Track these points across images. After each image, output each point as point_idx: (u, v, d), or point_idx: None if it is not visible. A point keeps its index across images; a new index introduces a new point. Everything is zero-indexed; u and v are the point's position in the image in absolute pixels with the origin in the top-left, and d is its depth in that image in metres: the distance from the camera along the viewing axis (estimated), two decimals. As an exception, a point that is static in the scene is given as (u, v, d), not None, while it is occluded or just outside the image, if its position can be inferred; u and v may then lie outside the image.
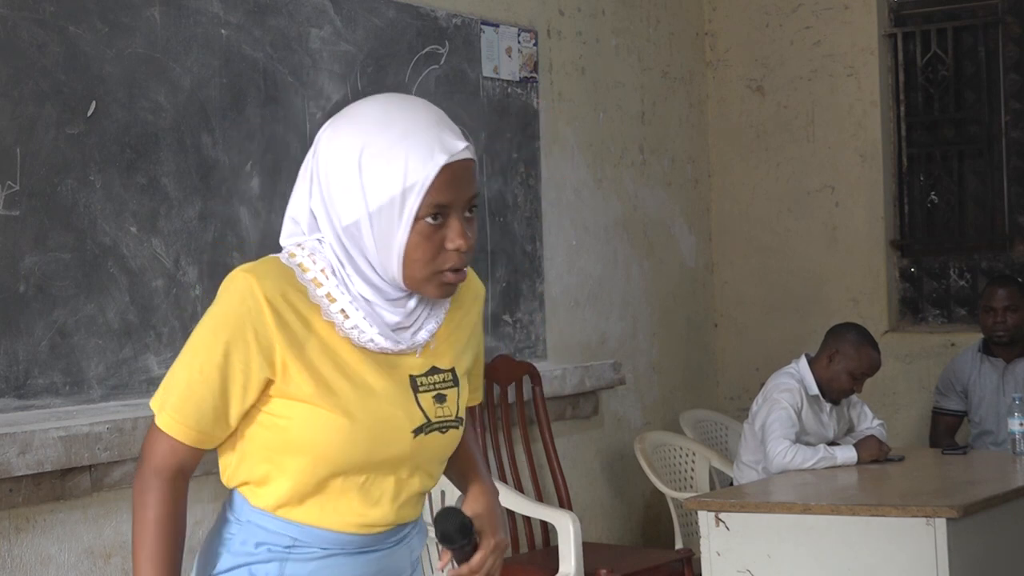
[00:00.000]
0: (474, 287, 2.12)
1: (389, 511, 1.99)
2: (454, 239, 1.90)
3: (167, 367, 4.10)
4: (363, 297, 1.93)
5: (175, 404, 1.93)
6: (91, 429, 3.62)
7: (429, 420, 1.99)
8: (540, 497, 5.22)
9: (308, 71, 4.49)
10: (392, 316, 1.95)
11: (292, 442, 1.93)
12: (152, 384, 3.96)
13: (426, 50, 4.99)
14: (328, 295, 1.93)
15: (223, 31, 4.23)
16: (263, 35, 4.36)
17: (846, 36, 6.45)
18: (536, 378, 5.20)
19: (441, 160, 1.87)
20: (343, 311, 1.93)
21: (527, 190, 5.47)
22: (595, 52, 5.95)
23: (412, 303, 1.97)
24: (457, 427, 2.04)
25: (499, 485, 4.77)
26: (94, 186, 3.85)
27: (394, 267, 1.90)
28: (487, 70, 5.27)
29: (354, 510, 1.97)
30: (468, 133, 5.14)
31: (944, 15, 6.41)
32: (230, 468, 1.99)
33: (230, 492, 2.02)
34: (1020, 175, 6.29)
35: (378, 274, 1.93)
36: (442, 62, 5.06)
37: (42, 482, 3.57)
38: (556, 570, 4.52)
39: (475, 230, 1.94)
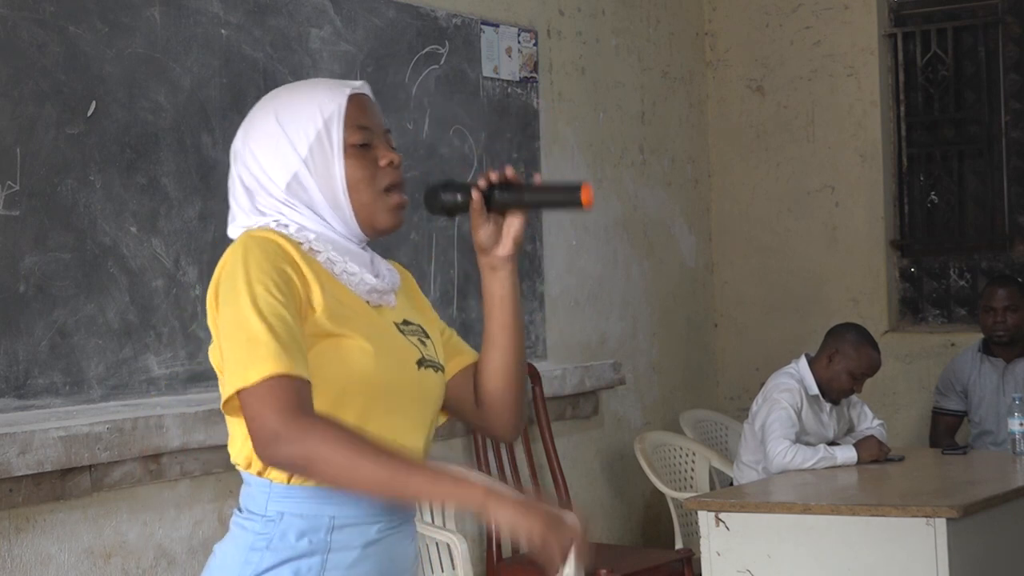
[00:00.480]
0: (402, 272, 2.19)
1: (416, 455, 2.01)
2: (385, 154, 2.04)
3: (167, 367, 4.12)
4: (335, 246, 2.03)
5: (265, 352, 1.85)
6: (91, 429, 3.62)
7: (423, 356, 2.05)
8: (540, 497, 5.21)
9: (308, 71, 4.49)
10: (362, 258, 2.05)
11: (322, 378, 1.91)
12: (152, 384, 3.96)
13: (426, 50, 4.99)
14: (311, 249, 2.01)
15: (223, 31, 4.23)
16: (263, 35, 4.36)
17: (846, 36, 6.45)
18: (536, 378, 5.20)
19: (346, 90, 2.04)
20: (330, 259, 2.01)
21: (527, 190, 5.46)
22: (595, 52, 5.95)
23: (367, 252, 2.07)
24: (442, 372, 2.10)
25: (499, 485, 4.76)
26: (94, 186, 3.85)
27: (342, 201, 2.01)
28: (487, 70, 5.27)
29: None
30: (467, 133, 5.14)
31: (944, 15, 6.41)
32: (247, 443, 1.93)
33: (246, 494, 1.99)
34: (1020, 175, 6.29)
35: (330, 223, 2.02)
36: (442, 62, 5.06)
37: (42, 482, 3.57)
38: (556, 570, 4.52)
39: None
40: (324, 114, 2.01)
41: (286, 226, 2.01)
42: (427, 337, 2.11)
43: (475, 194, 2.04)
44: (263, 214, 2.03)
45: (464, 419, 2.19)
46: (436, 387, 2.08)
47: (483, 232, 2.07)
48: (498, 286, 2.11)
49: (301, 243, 2.00)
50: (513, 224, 2.08)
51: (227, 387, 1.89)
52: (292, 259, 1.96)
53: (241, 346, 1.87)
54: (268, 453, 1.85)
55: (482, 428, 2.20)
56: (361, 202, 2.02)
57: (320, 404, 1.90)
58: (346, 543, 1.96)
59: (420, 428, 2.05)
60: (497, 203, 2.06)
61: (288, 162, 2.01)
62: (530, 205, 2.07)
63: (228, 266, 1.93)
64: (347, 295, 2.00)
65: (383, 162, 2.03)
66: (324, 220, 2.02)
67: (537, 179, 2.10)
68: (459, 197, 2.06)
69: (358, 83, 2.08)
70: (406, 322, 2.08)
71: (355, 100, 2.04)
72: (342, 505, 1.95)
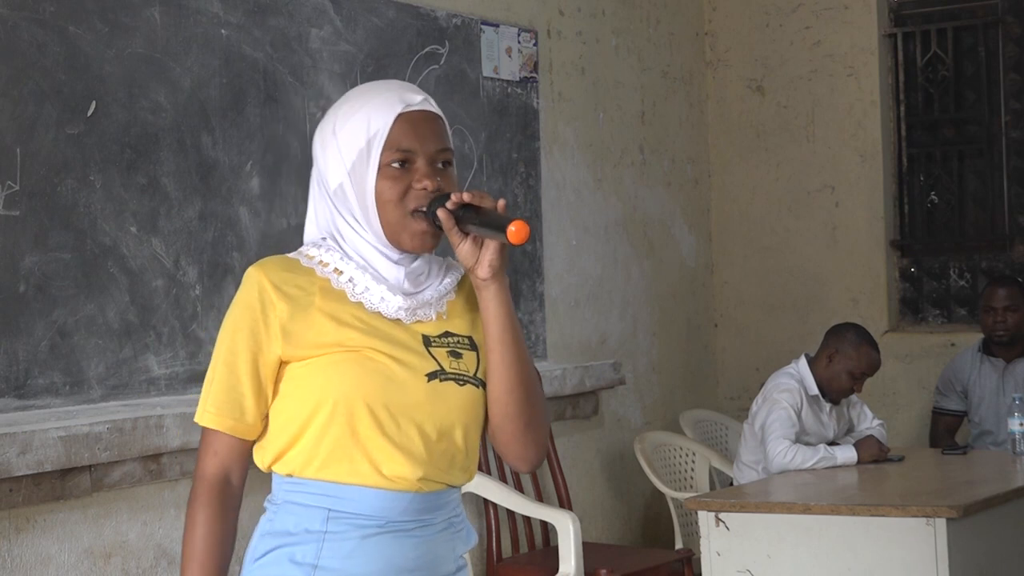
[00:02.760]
0: None
1: (418, 464, 2.02)
2: (421, 180, 2.05)
3: (167, 367, 4.13)
4: (366, 261, 2.08)
5: (212, 400, 2.06)
6: (91, 429, 3.62)
7: (443, 368, 2.06)
8: (540, 497, 5.22)
9: (308, 71, 4.49)
10: (395, 273, 2.07)
11: (311, 390, 2.02)
12: (152, 384, 3.97)
13: (426, 50, 4.99)
14: (336, 269, 2.07)
15: (223, 31, 4.23)
16: (263, 35, 4.36)
17: (846, 36, 6.45)
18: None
19: (398, 108, 2.06)
20: (351, 279, 2.06)
21: (527, 190, 5.47)
22: (595, 52, 5.95)
23: (416, 263, 2.10)
24: (477, 386, 2.09)
25: (499, 485, 4.77)
26: (94, 186, 3.85)
27: (372, 217, 2.05)
28: (487, 70, 5.27)
29: (382, 459, 2.00)
30: (467, 133, 5.14)
31: (944, 15, 6.41)
32: (263, 446, 2.08)
33: (272, 486, 2.11)
34: (1020, 175, 6.29)
35: (368, 232, 2.07)
36: (442, 62, 5.06)
37: (42, 482, 3.57)
38: (556, 570, 4.52)
39: (453, 184, 2.08)
40: (370, 132, 2.05)
41: (322, 244, 2.10)
42: (471, 349, 2.10)
43: (441, 214, 2.03)
44: (322, 215, 2.13)
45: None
46: (456, 400, 2.06)
47: (461, 251, 2.05)
48: (483, 307, 2.08)
49: (327, 264, 2.07)
50: (489, 247, 2.05)
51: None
52: (273, 307, 2.03)
53: (206, 384, 2.09)
54: (192, 484, 2.09)
55: (501, 455, 2.18)
56: (388, 220, 2.05)
57: (309, 421, 2.02)
58: (343, 534, 2.01)
59: (426, 441, 2.03)
60: (462, 226, 2.04)
61: (337, 171, 2.07)
62: (475, 232, 2.04)
63: (234, 301, 2.08)
64: (356, 315, 2.05)
65: (418, 185, 2.04)
66: (362, 229, 2.07)
67: (501, 205, 2.04)
68: (439, 216, 2.04)
69: (418, 98, 2.08)
70: (447, 334, 2.09)
71: (405, 119, 2.05)
72: (339, 499, 2.02)
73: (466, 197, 2.03)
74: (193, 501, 2.06)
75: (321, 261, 2.08)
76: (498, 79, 5.33)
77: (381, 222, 2.05)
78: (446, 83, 5.06)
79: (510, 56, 5.39)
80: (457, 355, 2.08)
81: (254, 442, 2.08)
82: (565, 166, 5.74)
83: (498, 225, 2.01)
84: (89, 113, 3.85)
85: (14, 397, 3.63)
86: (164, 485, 3.93)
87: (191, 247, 4.10)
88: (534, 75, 5.52)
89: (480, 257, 2.05)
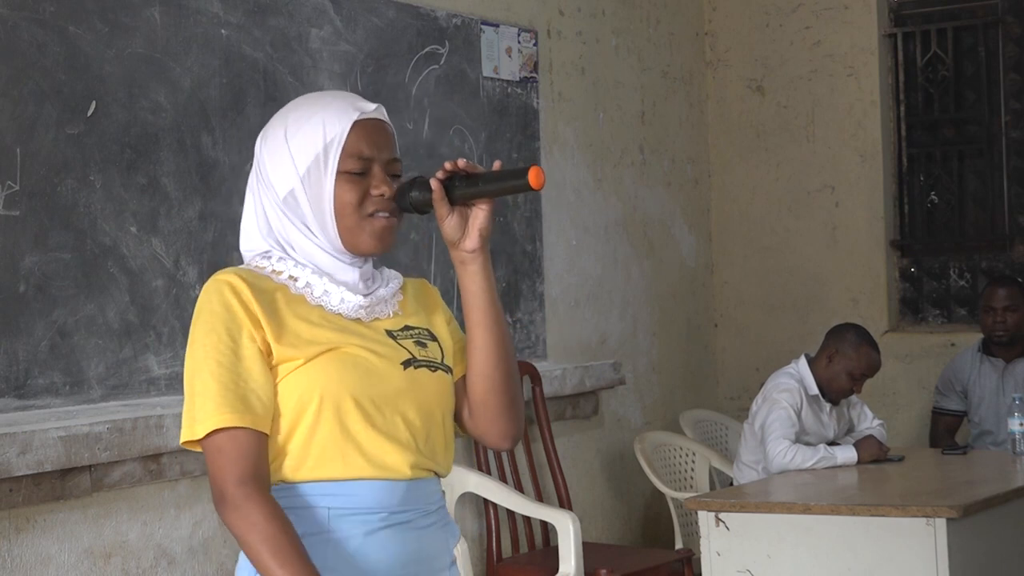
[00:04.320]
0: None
1: (408, 451, 2.04)
2: (378, 186, 2.06)
3: (167, 367, 4.12)
4: (320, 267, 2.08)
5: (211, 405, 1.97)
6: (91, 429, 3.62)
7: (414, 356, 2.08)
8: (540, 497, 5.22)
9: (308, 71, 4.49)
10: (350, 275, 2.08)
11: (293, 392, 2.00)
12: (152, 384, 3.96)
13: (426, 50, 4.99)
14: (290, 276, 2.07)
15: (223, 31, 4.23)
16: (263, 35, 4.36)
17: (846, 36, 6.45)
18: (536, 378, 5.20)
19: (354, 115, 2.06)
20: (308, 283, 2.06)
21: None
22: (595, 52, 5.95)
23: (365, 266, 2.11)
24: (447, 372, 2.12)
25: (499, 485, 4.77)
26: (94, 186, 3.85)
27: (328, 223, 2.05)
28: (487, 70, 5.27)
29: (374, 450, 2.01)
30: (467, 133, 5.14)
31: (944, 15, 6.41)
32: None
33: None
34: (1020, 175, 6.29)
35: (321, 239, 2.07)
36: (442, 62, 5.06)
37: (42, 482, 3.57)
38: (556, 570, 4.52)
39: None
40: (326, 138, 2.05)
41: (269, 255, 2.09)
42: (433, 340, 2.13)
43: (434, 184, 2.04)
44: (269, 232, 2.10)
45: (464, 431, 2.21)
46: (432, 386, 2.10)
47: (448, 225, 2.07)
48: (469, 281, 2.11)
49: (280, 272, 2.06)
50: (478, 216, 2.07)
51: (181, 434, 2.04)
52: (251, 305, 2.00)
53: (191, 398, 2.00)
54: (217, 509, 1.99)
55: (479, 438, 2.21)
56: (346, 225, 2.06)
57: (295, 424, 2.00)
58: (346, 532, 2.01)
59: (411, 428, 2.05)
60: (457, 195, 2.05)
61: (287, 178, 2.06)
62: (487, 194, 2.05)
63: (195, 314, 2.03)
64: (322, 316, 2.05)
65: (375, 192, 2.06)
66: (314, 236, 2.07)
67: (496, 165, 2.08)
68: (422, 192, 2.06)
69: (372, 107, 2.09)
70: (406, 327, 2.12)
71: (361, 127, 2.06)
72: (338, 496, 2.01)
73: (461, 163, 2.05)
74: (241, 512, 1.93)
75: (274, 270, 2.08)
76: (498, 79, 5.33)
77: (338, 227, 2.05)
78: (446, 83, 5.06)
79: (510, 56, 5.39)
80: (423, 344, 2.11)
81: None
82: (565, 166, 5.74)
83: (511, 176, 2.02)
84: (89, 113, 3.85)
85: (14, 397, 3.63)
86: (164, 485, 3.93)
87: (191, 247, 4.11)
88: (534, 75, 5.52)
89: (469, 228, 2.07)
